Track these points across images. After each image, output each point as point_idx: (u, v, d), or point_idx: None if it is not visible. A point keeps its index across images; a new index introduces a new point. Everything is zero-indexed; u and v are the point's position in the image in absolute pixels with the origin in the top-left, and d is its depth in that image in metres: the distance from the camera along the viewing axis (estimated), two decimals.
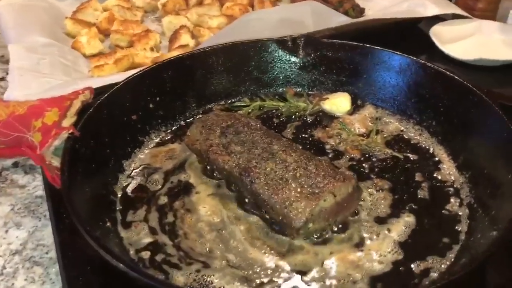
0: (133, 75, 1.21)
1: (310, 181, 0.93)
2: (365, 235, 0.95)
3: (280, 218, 0.92)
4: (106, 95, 1.12)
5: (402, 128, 1.24)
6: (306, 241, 0.94)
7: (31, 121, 1.02)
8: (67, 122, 1.00)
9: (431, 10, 1.67)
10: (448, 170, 1.11)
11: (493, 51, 1.59)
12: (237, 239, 0.95)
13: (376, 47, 1.29)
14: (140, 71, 1.22)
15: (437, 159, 1.14)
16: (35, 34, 1.58)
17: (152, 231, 0.98)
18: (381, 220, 0.98)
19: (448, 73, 1.16)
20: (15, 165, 1.23)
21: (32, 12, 1.74)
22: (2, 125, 1.03)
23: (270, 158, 1.00)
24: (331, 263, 0.89)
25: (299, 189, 0.92)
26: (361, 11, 1.85)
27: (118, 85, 1.16)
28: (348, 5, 1.85)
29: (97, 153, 1.06)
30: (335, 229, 0.96)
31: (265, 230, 0.97)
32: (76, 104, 1.04)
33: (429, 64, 1.20)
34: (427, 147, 1.18)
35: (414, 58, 1.23)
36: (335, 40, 1.34)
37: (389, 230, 0.96)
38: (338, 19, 1.59)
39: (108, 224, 0.97)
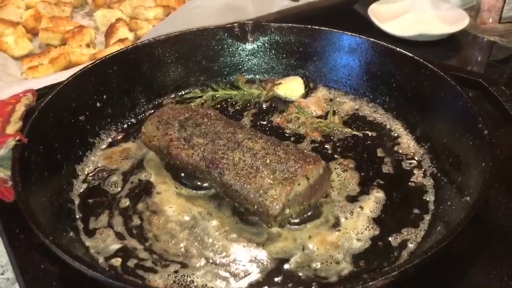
0: (76, 73, 1.12)
1: (282, 167, 0.91)
2: (339, 215, 0.95)
3: (256, 207, 0.89)
4: (50, 96, 1.04)
5: (356, 107, 1.26)
6: (282, 228, 0.92)
7: None
8: (12, 128, 0.91)
9: None
10: (407, 143, 1.13)
11: (429, 26, 1.65)
12: (212, 235, 0.91)
13: (324, 28, 1.29)
14: (84, 68, 1.14)
15: (395, 134, 1.16)
16: None
17: (119, 236, 0.92)
18: (352, 199, 0.99)
19: (398, 49, 1.18)
20: None
21: None
22: None
23: (237, 147, 0.96)
24: (312, 247, 0.88)
25: (271, 176, 0.89)
26: None
27: (62, 84, 1.08)
28: None
29: (47, 160, 0.97)
30: (310, 212, 0.95)
31: (238, 223, 0.94)
32: (20, 109, 0.94)
33: (378, 42, 1.22)
34: (383, 123, 1.20)
35: (364, 37, 1.24)
36: (283, 24, 1.33)
37: (361, 207, 0.97)
38: (280, 3, 1.58)
39: (71, 234, 0.90)
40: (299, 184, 0.89)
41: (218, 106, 1.29)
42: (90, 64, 1.16)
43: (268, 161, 0.92)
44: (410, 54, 1.15)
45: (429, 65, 1.11)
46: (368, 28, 1.72)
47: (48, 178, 0.96)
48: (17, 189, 0.81)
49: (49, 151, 0.99)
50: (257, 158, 0.93)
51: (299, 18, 1.55)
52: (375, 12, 1.70)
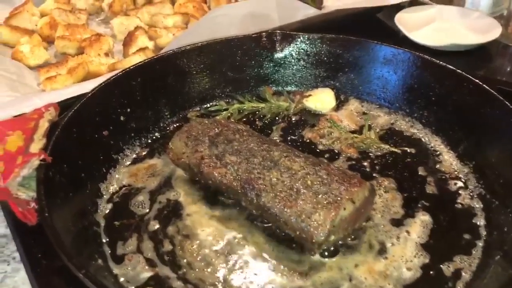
0: (99, 85, 1.06)
1: (324, 189, 0.84)
2: (385, 240, 0.88)
3: (298, 233, 0.83)
4: (73, 110, 0.98)
5: (392, 121, 1.19)
6: (325, 255, 0.85)
7: None
8: (36, 146, 0.85)
9: None
10: (449, 161, 1.07)
11: (459, 36, 1.59)
12: (249, 262, 0.85)
13: (358, 38, 1.23)
14: (107, 80, 1.08)
15: (435, 150, 1.10)
16: None
17: (150, 263, 0.85)
18: (397, 222, 0.92)
19: (438, 61, 1.12)
20: None
21: None
22: None
23: (273, 166, 0.90)
24: (359, 277, 0.82)
25: (314, 199, 0.83)
26: (321, 1, 1.80)
27: (84, 98, 1.02)
28: None
29: (72, 179, 0.91)
30: (353, 238, 0.88)
31: (276, 249, 0.87)
32: (43, 125, 0.88)
33: (416, 53, 1.16)
34: (422, 139, 1.13)
35: (400, 48, 1.18)
36: (313, 34, 1.27)
37: (408, 232, 0.90)
38: (304, 12, 1.52)
39: (99, 261, 0.83)
40: (344, 209, 0.83)
41: (245, 119, 1.23)
42: (113, 76, 1.10)
43: (309, 182, 0.86)
44: (452, 67, 1.09)
45: (473, 78, 1.05)
46: (393, 36, 1.67)
47: (73, 199, 0.90)
48: (44, 215, 0.75)
49: (73, 169, 0.93)
50: (297, 179, 0.87)
51: (323, 27, 1.50)
52: (402, 21, 1.64)
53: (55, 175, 0.86)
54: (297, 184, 0.86)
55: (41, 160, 0.83)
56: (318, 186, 0.85)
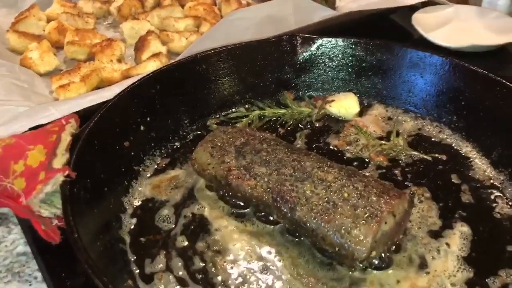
0: (118, 94, 1.02)
1: (363, 202, 0.80)
2: (425, 254, 0.85)
3: (337, 249, 0.79)
4: (93, 121, 0.93)
5: (419, 126, 1.16)
6: (365, 270, 0.81)
7: (10, 164, 0.82)
8: (59, 162, 0.81)
9: None
10: (483, 168, 1.03)
11: (478, 36, 1.55)
12: (287, 280, 0.81)
13: (383, 41, 1.19)
14: (126, 89, 1.03)
15: (467, 157, 1.06)
16: None
17: (181, 282, 0.81)
18: (435, 234, 0.89)
19: (467, 65, 1.08)
20: None
21: None
22: None
23: (306, 178, 0.86)
24: None
25: (352, 213, 0.79)
26: (333, 1, 1.76)
27: (104, 108, 0.97)
28: None
29: (95, 195, 0.87)
30: (392, 252, 0.85)
31: (312, 264, 0.83)
32: (66, 138, 0.84)
33: (444, 56, 1.12)
34: (452, 145, 1.10)
35: (427, 52, 1.14)
36: (334, 37, 1.23)
37: (448, 245, 0.86)
38: (320, 14, 1.48)
39: (129, 281, 0.79)
40: (385, 223, 0.79)
41: (266, 126, 1.19)
42: (132, 85, 1.05)
43: (346, 194, 0.82)
44: (484, 71, 1.05)
45: (507, 82, 1.01)
46: (408, 37, 1.64)
47: (97, 215, 0.86)
48: (74, 236, 0.70)
49: (96, 184, 0.88)
50: (333, 191, 0.83)
51: (338, 29, 1.47)
52: (419, 21, 1.60)
53: (80, 191, 0.82)
54: (333, 197, 0.82)
55: (65, 176, 0.79)
56: (356, 199, 0.81)
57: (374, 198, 0.81)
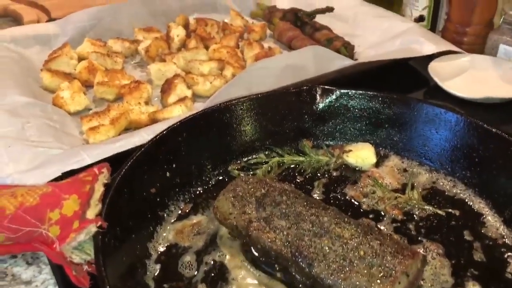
0: (148, 142, 1.08)
1: (378, 261, 0.84)
2: None
3: None
4: (124, 170, 0.99)
5: (433, 180, 1.19)
6: None
7: (46, 212, 0.88)
8: (92, 212, 0.86)
9: (428, 48, 1.66)
10: (495, 225, 1.06)
11: (494, 88, 1.59)
12: None
13: (400, 95, 1.24)
14: (155, 137, 1.10)
15: (480, 213, 1.09)
16: (11, 93, 1.40)
17: None
18: None
19: (482, 123, 1.12)
20: (13, 255, 1.06)
21: (1, 66, 1.56)
22: (10, 220, 0.87)
23: (324, 234, 0.91)
24: None
25: (367, 271, 0.83)
26: (352, 49, 1.82)
27: (134, 156, 1.03)
28: (338, 43, 1.81)
29: (124, 242, 0.92)
30: None
31: None
32: (99, 189, 0.90)
33: (459, 113, 1.16)
34: (465, 200, 1.13)
35: (442, 108, 1.19)
36: (353, 89, 1.28)
37: None
38: (339, 62, 1.54)
39: None
40: (399, 283, 0.82)
41: (285, 173, 1.24)
42: (160, 133, 1.11)
43: (362, 253, 0.86)
44: (497, 131, 1.09)
45: None
46: (424, 84, 1.69)
47: (125, 261, 0.91)
48: (104, 286, 0.75)
49: (125, 232, 0.94)
50: (349, 249, 0.87)
51: (357, 76, 1.53)
52: (435, 70, 1.65)
53: (110, 240, 0.87)
54: (350, 254, 0.86)
55: (98, 227, 0.84)
56: (372, 257, 0.85)
57: (389, 258, 0.85)
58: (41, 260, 1.04)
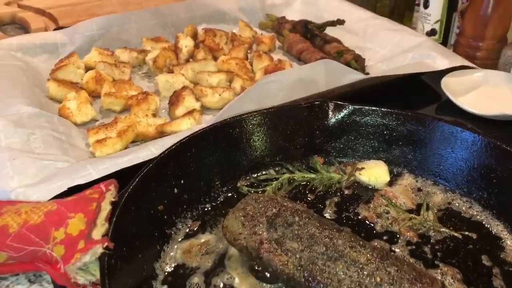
0: (156, 158, 1.05)
1: None
2: None
3: None
4: (131, 187, 0.96)
5: (449, 200, 1.16)
6: None
7: (50, 231, 0.85)
8: (98, 232, 0.83)
9: (441, 63, 1.62)
10: None
11: (507, 104, 1.56)
12: None
13: (415, 112, 1.21)
14: (163, 153, 1.07)
15: (498, 237, 1.06)
16: (17, 102, 1.38)
17: None
18: None
19: (500, 143, 1.09)
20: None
21: (8, 74, 1.54)
22: (14, 239, 0.84)
23: (338, 258, 0.87)
24: None
25: None
26: (363, 62, 1.79)
27: (142, 173, 1.00)
28: (349, 56, 1.78)
29: (130, 263, 0.89)
30: None
31: None
32: (106, 208, 0.87)
33: (476, 132, 1.13)
34: (483, 223, 1.09)
35: (458, 126, 1.15)
36: (364, 106, 1.25)
37: None
38: (350, 76, 1.51)
39: None
40: None
41: (296, 190, 1.20)
42: (168, 149, 1.08)
43: (378, 279, 0.83)
44: None
45: None
46: (437, 98, 1.66)
47: (131, 284, 0.87)
48: None
49: (131, 251, 0.90)
50: (365, 275, 0.84)
51: (369, 90, 1.50)
52: (448, 85, 1.62)
53: (116, 261, 0.84)
54: (366, 281, 0.83)
55: (104, 248, 0.81)
56: (388, 285, 0.82)
57: (407, 285, 0.81)
58: (44, 278, 1.01)
